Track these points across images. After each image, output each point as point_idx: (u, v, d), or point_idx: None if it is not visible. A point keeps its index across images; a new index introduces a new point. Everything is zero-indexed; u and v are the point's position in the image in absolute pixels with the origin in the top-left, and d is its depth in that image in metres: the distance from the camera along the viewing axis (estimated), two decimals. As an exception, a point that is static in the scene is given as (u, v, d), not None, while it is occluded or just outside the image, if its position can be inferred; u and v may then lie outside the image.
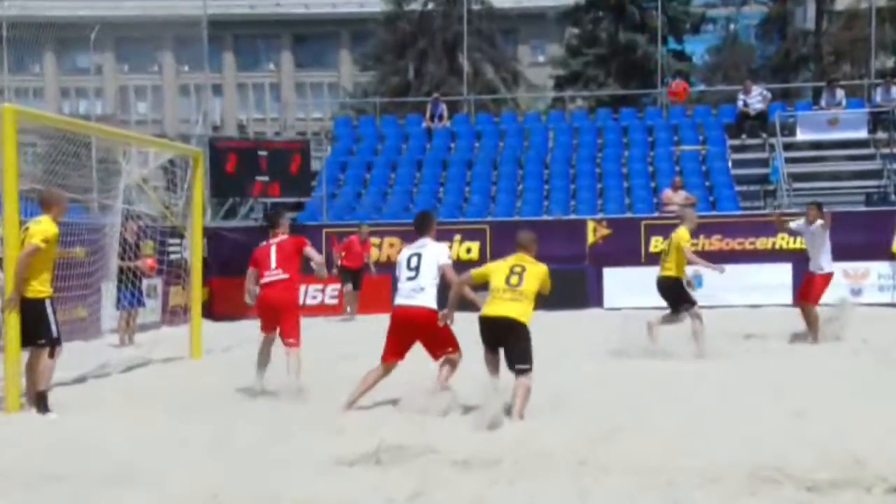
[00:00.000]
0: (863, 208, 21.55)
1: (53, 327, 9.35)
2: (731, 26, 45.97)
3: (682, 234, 12.98)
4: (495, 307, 8.59)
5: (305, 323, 10.69)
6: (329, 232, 21.29)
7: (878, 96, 24.86)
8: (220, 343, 14.77)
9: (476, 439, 7.59)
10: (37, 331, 9.31)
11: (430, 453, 7.14)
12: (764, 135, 24.69)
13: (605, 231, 21.25)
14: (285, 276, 10.32)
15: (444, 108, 27.28)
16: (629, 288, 19.92)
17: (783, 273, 19.48)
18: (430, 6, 41.46)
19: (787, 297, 19.58)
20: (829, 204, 17.03)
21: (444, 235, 14.76)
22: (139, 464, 6.97)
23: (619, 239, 21.09)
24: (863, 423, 7.76)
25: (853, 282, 19.80)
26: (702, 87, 39.78)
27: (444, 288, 8.97)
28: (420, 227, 9.34)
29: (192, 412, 9.07)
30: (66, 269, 11.79)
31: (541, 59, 52.27)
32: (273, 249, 10.46)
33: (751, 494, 6.17)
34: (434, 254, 9.02)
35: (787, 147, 24.20)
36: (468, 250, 21.07)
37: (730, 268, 13.93)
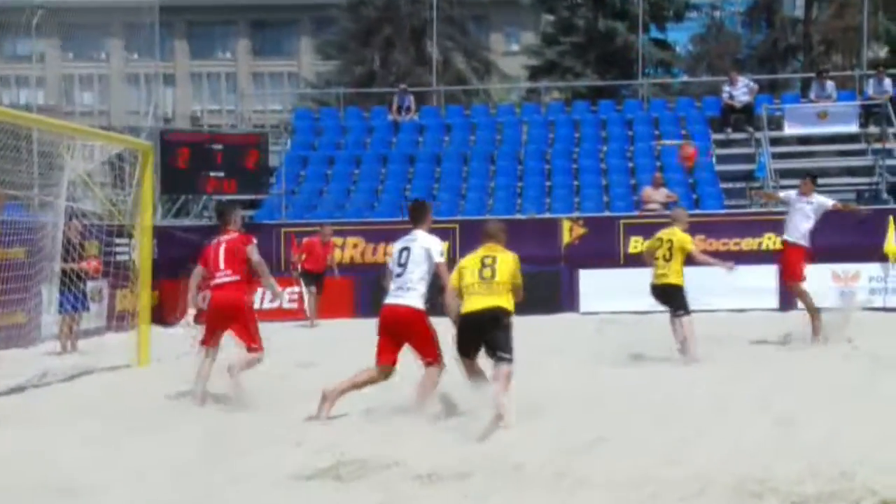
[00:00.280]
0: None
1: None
2: (716, 14, 46.20)
3: (684, 237, 13.11)
4: (475, 302, 8.72)
5: (261, 330, 10.63)
6: (288, 231, 21.22)
7: (869, 88, 25.04)
8: (169, 350, 14.65)
9: (444, 452, 7.55)
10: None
11: (395, 467, 7.12)
12: (750, 129, 24.84)
13: (581, 230, 21.30)
14: (235, 277, 10.22)
15: (411, 99, 27.26)
16: (606, 291, 19.99)
17: (770, 276, 19.58)
18: (397, -9, 41.45)
19: (774, 302, 19.71)
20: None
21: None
22: (81, 479, 6.91)
23: (596, 239, 21.13)
24: (851, 433, 7.81)
25: (843, 284, 19.94)
26: (685, 78, 39.95)
27: (434, 288, 9.01)
28: (413, 217, 9.33)
29: (138, 424, 9.00)
30: (3, 270, 11.70)
31: (514, 47, 52.29)
32: (222, 248, 10.37)
33: (735, 509, 6.20)
34: (424, 248, 9.01)
35: (774, 142, 24.38)
36: (436, 251, 21.02)
37: (714, 270, 14.04)
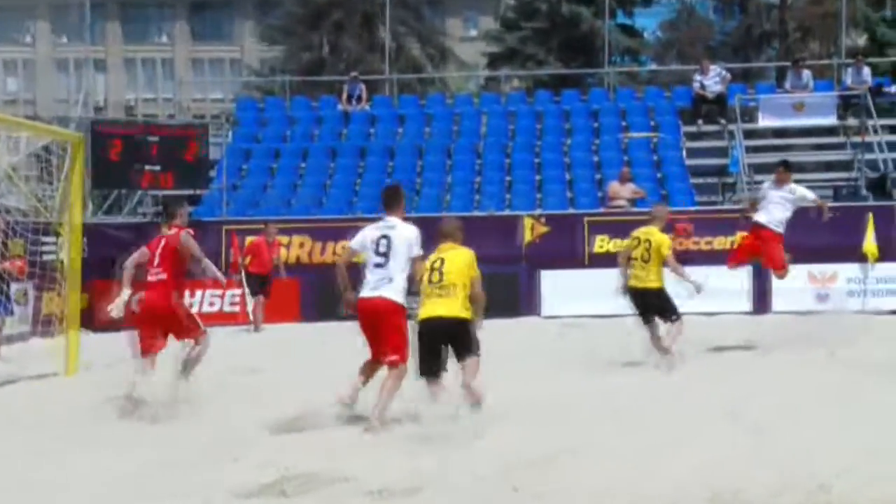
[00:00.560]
0: (831, 203, 21.80)
1: None
2: (687, -1, 46.57)
3: (663, 239, 12.97)
4: (429, 308, 8.96)
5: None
6: (230, 229, 21.07)
7: (848, 78, 25.26)
8: (100, 357, 14.51)
9: (394, 465, 7.52)
10: None
11: (342, 482, 7.09)
12: (722, 121, 24.97)
13: (543, 228, 21.31)
14: (163, 275, 10.28)
15: (362, 88, 27.20)
16: (570, 293, 19.99)
17: (742, 277, 19.63)
18: (347, -29, 41.41)
19: (747, 305, 19.79)
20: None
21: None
22: None
23: (559, 238, 21.13)
24: (829, 443, 7.84)
25: (819, 286, 20.08)
26: (653, 67, 40.19)
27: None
28: (387, 203, 9.42)
29: (65, 437, 8.92)
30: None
31: (473, 33, 52.45)
32: (161, 244, 10.49)
33: (708, 523, 6.22)
34: (405, 238, 9.13)
35: (748, 134, 24.53)
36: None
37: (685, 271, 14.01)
